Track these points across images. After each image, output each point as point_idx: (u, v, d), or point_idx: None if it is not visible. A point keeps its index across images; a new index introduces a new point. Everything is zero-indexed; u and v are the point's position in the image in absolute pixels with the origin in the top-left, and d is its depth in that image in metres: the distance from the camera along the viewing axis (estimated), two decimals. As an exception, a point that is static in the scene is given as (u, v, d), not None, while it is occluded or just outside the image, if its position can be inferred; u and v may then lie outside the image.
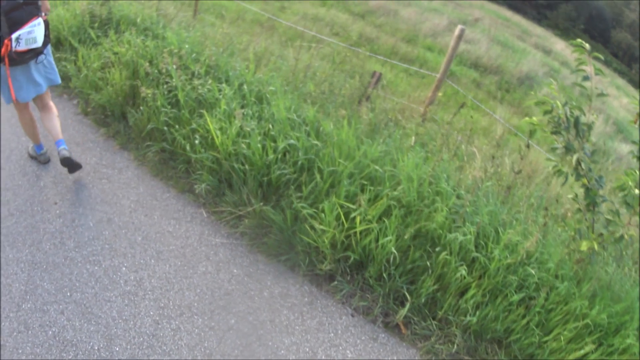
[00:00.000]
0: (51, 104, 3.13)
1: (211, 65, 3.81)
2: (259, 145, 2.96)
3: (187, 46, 3.91)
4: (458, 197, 3.00)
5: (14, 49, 2.51)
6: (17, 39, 2.51)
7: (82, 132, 3.71)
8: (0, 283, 2.54)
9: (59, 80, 3.07)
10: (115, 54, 3.99)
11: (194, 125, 3.22)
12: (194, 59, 3.82)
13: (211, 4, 8.35)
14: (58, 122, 3.10)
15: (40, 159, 3.33)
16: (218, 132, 3.07)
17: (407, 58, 9.38)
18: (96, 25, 4.67)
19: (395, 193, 2.89)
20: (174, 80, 3.47)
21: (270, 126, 3.14)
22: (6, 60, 2.53)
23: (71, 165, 3.05)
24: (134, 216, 3.01)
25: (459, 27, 4.08)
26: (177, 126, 3.29)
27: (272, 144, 3.02)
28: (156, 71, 3.62)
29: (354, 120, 3.31)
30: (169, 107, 3.39)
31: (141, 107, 3.46)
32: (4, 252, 2.76)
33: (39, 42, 2.64)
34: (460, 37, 4.08)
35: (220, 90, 3.42)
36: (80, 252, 2.78)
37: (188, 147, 3.17)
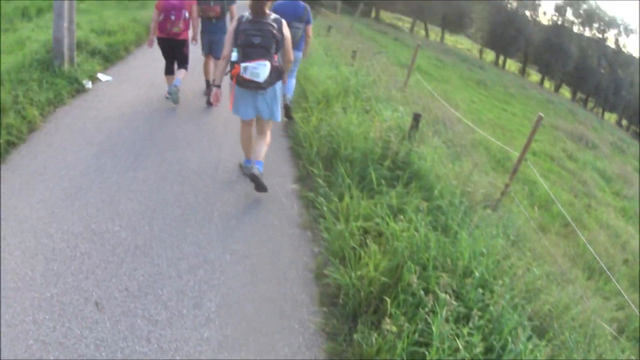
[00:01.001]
0: (268, 133, 3.83)
1: (493, 318, 2.60)
2: None
3: (478, 272, 2.79)
4: None
5: (241, 74, 3.30)
6: (245, 68, 3.28)
7: (297, 304, 2.78)
8: None
9: (276, 119, 3.72)
10: (387, 226, 3.14)
11: None
12: (477, 300, 2.67)
13: (526, 179, 7.38)
14: (264, 149, 3.73)
15: (244, 170, 4.06)
16: None
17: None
18: (385, 164, 3.85)
19: None
20: (434, 327, 2.41)
21: None
22: (234, 79, 3.36)
23: (258, 184, 3.60)
24: None
25: None
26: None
27: None
28: (422, 292, 2.63)
29: None
30: (406, 363, 2.32)
31: (375, 336, 2.49)
32: None
33: (261, 79, 3.31)
34: None
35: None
36: None
37: None
